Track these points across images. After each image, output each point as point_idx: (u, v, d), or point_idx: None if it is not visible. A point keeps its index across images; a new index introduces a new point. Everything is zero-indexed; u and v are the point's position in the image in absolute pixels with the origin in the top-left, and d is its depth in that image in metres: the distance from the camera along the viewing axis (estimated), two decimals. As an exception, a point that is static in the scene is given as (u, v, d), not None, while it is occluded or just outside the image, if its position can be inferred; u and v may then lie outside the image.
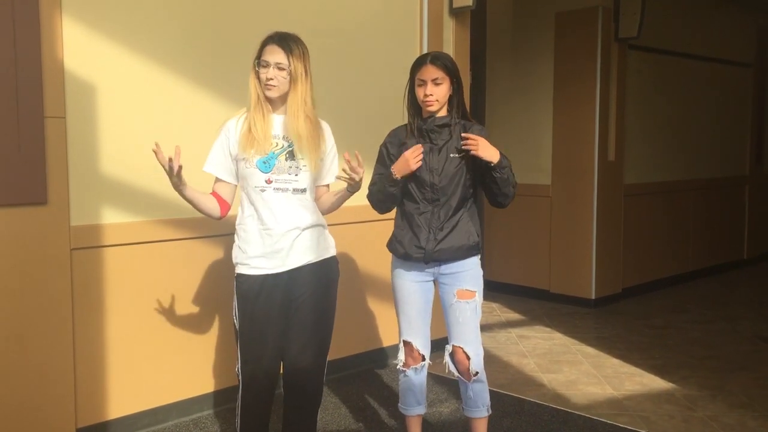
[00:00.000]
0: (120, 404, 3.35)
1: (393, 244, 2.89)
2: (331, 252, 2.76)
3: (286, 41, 2.58)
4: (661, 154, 6.88)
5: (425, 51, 4.49)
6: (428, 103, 2.75)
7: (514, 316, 5.84)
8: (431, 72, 2.74)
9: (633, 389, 4.07)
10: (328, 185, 2.80)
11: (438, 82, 2.74)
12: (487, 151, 2.67)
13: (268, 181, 2.58)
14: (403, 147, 2.83)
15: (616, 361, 4.59)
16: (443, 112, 2.83)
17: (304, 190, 2.63)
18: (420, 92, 2.77)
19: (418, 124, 2.83)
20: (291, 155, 2.61)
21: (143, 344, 3.41)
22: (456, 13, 4.63)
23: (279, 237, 2.58)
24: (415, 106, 2.85)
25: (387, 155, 2.89)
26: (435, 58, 2.77)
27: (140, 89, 3.34)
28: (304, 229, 2.63)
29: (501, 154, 2.71)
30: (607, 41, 5.90)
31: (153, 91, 3.38)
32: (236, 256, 2.66)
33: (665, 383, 4.17)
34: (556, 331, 5.33)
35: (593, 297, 6.03)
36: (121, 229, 3.29)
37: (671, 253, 7.05)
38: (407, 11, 4.48)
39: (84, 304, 3.20)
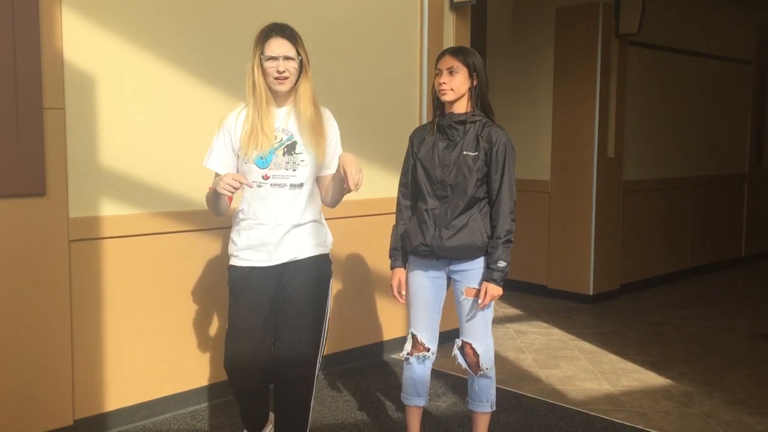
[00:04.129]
0: (118, 396, 3.35)
1: (405, 239, 2.90)
2: (324, 249, 2.71)
3: (288, 31, 2.54)
4: (661, 151, 6.88)
5: (425, 46, 4.50)
6: (442, 92, 2.78)
7: (512, 311, 5.84)
8: (447, 61, 2.79)
9: (630, 385, 4.08)
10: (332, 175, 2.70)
11: (453, 71, 2.76)
12: (491, 297, 2.75)
13: (266, 177, 2.55)
14: (423, 142, 2.87)
15: (613, 357, 4.60)
16: (464, 108, 2.83)
17: (301, 185, 2.58)
18: (436, 81, 2.81)
19: (438, 120, 2.86)
20: (289, 150, 2.56)
21: (141, 336, 3.41)
22: (456, 7, 4.63)
23: (269, 231, 2.56)
24: (438, 100, 2.87)
25: (410, 152, 2.94)
26: (454, 49, 2.83)
27: (140, 80, 3.33)
28: (296, 226, 2.59)
29: (503, 274, 2.77)
30: (607, 37, 5.89)
31: (153, 83, 3.37)
32: (229, 247, 2.68)
33: (662, 379, 4.18)
34: (554, 327, 5.34)
35: (591, 293, 6.04)
36: (120, 221, 3.29)
37: (669, 250, 7.06)
38: (408, 6, 4.47)
39: (82, 296, 3.20)
